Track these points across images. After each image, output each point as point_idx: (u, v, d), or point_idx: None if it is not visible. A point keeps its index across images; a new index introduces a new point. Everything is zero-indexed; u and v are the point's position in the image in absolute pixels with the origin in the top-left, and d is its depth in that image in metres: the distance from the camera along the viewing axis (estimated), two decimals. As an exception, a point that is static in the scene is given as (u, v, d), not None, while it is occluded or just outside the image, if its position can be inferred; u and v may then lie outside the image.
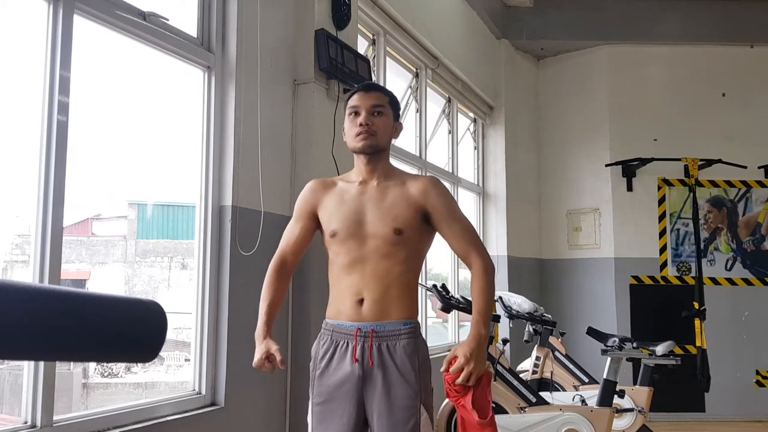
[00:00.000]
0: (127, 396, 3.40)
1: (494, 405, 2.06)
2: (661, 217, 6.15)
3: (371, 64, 3.90)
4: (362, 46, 4.07)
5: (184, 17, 2.81)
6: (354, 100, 2.09)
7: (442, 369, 1.99)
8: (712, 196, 6.18)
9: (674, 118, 6.23)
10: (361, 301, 1.99)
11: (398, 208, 2.02)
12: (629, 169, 6.14)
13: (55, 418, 2.12)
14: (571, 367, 4.36)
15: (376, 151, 2.07)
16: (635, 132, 6.22)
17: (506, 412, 3.38)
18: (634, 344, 3.60)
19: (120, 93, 2.86)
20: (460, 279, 5.65)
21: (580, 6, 6.27)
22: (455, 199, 2.20)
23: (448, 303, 3.18)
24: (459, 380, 1.93)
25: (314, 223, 2.13)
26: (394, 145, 4.49)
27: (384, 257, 1.99)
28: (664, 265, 6.09)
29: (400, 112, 2.22)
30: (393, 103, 2.14)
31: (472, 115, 6.02)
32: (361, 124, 2.04)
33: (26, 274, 2.16)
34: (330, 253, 2.09)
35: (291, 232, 2.16)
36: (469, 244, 2.07)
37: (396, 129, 2.14)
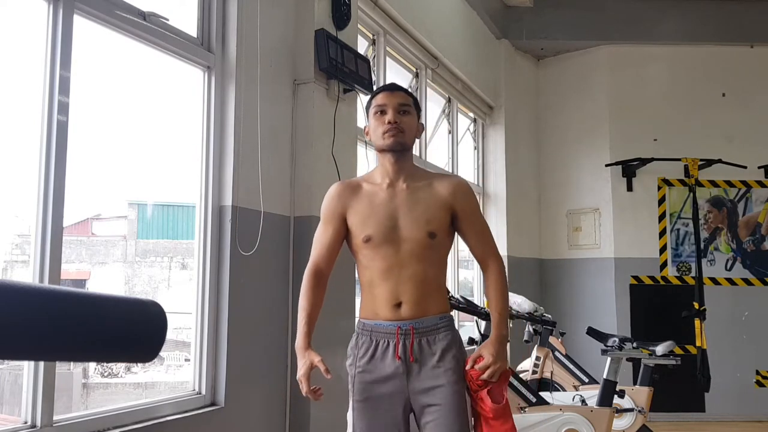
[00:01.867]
0: (127, 396, 3.40)
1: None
2: (661, 217, 6.15)
3: (371, 64, 3.90)
4: (362, 46, 4.07)
5: (184, 17, 2.81)
6: (380, 98, 2.11)
7: (468, 367, 2.05)
8: (712, 196, 6.18)
9: (674, 118, 6.23)
10: (398, 305, 2.03)
11: (431, 211, 2.06)
12: (629, 169, 6.14)
13: (55, 418, 2.12)
14: (571, 367, 4.36)
15: (404, 149, 2.10)
16: (635, 132, 6.22)
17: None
18: (634, 344, 3.60)
19: (120, 93, 2.86)
20: (460, 279, 5.66)
21: (580, 6, 6.27)
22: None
23: (450, 303, 3.18)
24: (484, 376, 2.02)
25: (344, 227, 2.11)
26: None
27: (419, 261, 2.03)
28: (664, 265, 6.09)
29: (421, 114, 2.25)
30: (416, 104, 2.18)
31: (472, 115, 6.02)
32: (389, 122, 2.06)
33: (26, 274, 2.15)
34: (361, 257, 2.08)
35: (322, 238, 2.13)
36: (488, 246, 2.14)
37: (419, 129, 2.17)
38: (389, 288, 2.02)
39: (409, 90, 2.24)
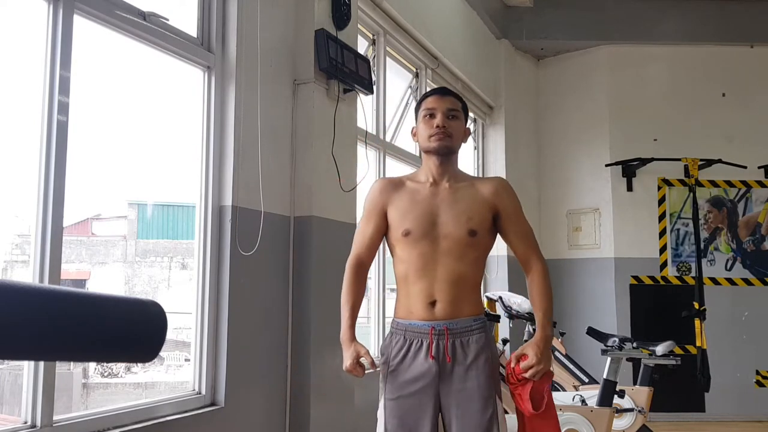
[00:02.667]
0: (127, 396, 3.40)
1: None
2: (661, 217, 6.15)
3: (371, 64, 3.90)
4: (362, 46, 4.07)
5: (184, 17, 2.81)
6: (430, 102, 2.16)
7: (512, 364, 2.09)
8: (712, 196, 6.18)
9: (674, 118, 6.23)
10: (433, 303, 2.05)
11: (473, 209, 2.10)
12: (629, 169, 6.14)
13: (55, 418, 2.12)
14: (571, 367, 4.36)
15: (450, 152, 2.15)
16: (635, 132, 6.21)
17: (506, 412, 3.38)
18: (634, 344, 3.60)
19: (120, 93, 2.86)
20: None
21: (580, 6, 6.27)
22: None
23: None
24: (527, 375, 2.06)
25: (385, 222, 2.15)
26: (394, 145, 4.51)
27: (456, 259, 2.06)
28: (664, 265, 6.09)
29: (468, 118, 2.30)
30: (464, 108, 2.22)
31: (472, 115, 6.02)
32: (437, 126, 2.10)
33: (26, 274, 2.15)
34: (398, 251, 2.12)
35: (364, 232, 2.17)
36: (531, 248, 2.19)
37: (465, 133, 2.22)
38: (424, 285, 2.05)
39: (459, 95, 2.28)
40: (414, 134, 2.24)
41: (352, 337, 2.06)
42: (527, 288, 2.23)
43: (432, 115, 2.13)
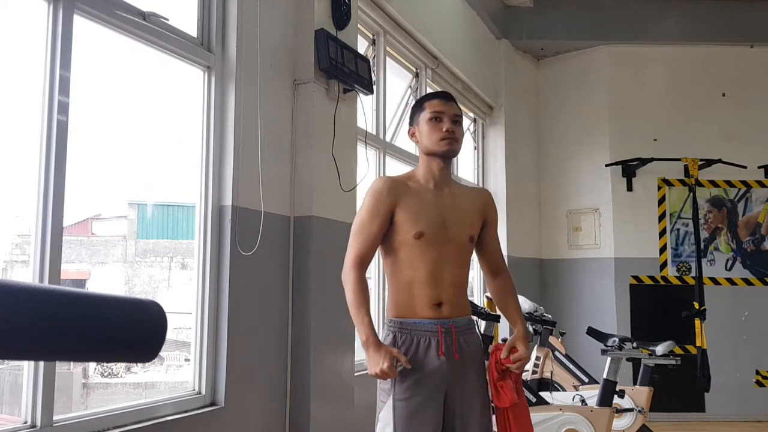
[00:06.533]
0: (127, 396, 3.41)
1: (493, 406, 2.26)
2: (661, 217, 6.15)
3: (371, 64, 3.90)
4: (362, 46, 4.07)
5: (184, 17, 2.81)
6: (437, 105, 2.18)
7: (503, 356, 2.16)
8: (712, 196, 6.18)
9: (674, 118, 6.23)
10: (439, 305, 2.08)
11: (472, 216, 2.18)
12: (629, 169, 6.14)
13: (55, 418, 2.12)
14: (571, 367, 4.36)
15: (454, 156, 2.22)
16: (635, 132, 6.22)
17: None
18: (634, 344, 3.60)
19: (120, 93, 2.86)
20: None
21: (580, 6, 6.27)
22: None
23: None
24: (514, 366, 2.15)
25: (389, 222, 2.11)
26: (394, 145, 4.51)
27: (458, 263, 2.13)
28: (664, 265, 6.09)
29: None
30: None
31: (472, 115, 6.02)
32: (447, 130, 2.13)
33: (26, 274, 2.15)
34: (403, 254, 2.09)
35: (369, 231, 2.10)
36: (501, 256, 2.33)
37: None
38: (432, 288, 2.06)
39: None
40: (412, 135, 2.23)
41: (378, 340, 2.00)
42: (496, 289, 2.34)
43: (439, 119, 2.15)
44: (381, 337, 2.06)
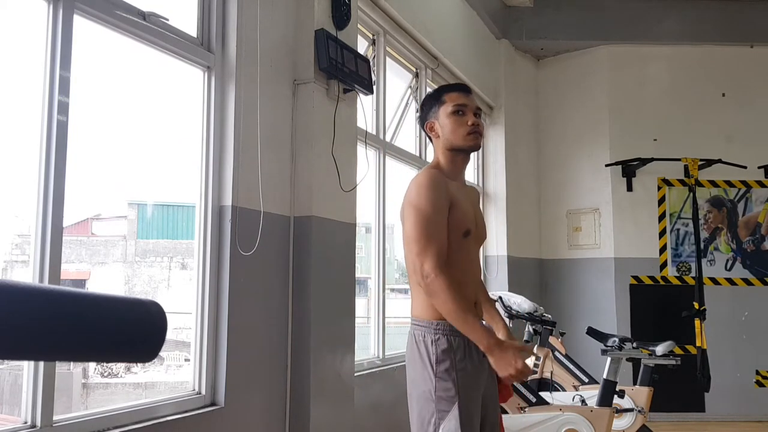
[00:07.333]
0: (127, 396, 3.40)
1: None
2: (661, 217, 6.15)
3: (371, 64, 3.90)
4: (362, 46, 4.07)
5: (184, 17, 2.81)
6: (460, 98, 2.10)
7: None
8: (712, 196, 6.18)
9: (674, 118, 6.23)
10: (475, 304, 2.08)
11: (480, 213, 2.20)
12: (629, 169, 6.14)
13: (55, 418, 2.12)
14: (571, 367, 4.36)
15: (477, 150, 2.19)
16: (635, 132, 6.22)
17: (506, 412, 3.38)
18: (634, 344, 3.60)
19: (120, 93, 2.86)
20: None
21: (580, 6, 6.27)
22: None
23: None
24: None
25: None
26: (394, 145, 4.51)
27: (478, 262, 2.14)
28: (664, 265, 6.09)
29: None
30: None
31: (472, 115, 6.01)
32: (473, 124, 2.07)
33: (26, 274, 2.15)
34: (450, 252, 1.98)
35: (441, 226, 1.96)
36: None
37: None
38: (471, 287, 2.06)
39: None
40: (431, 129, 2.13)
41: (500, 340, 1.91)
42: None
43: (462, 113, 2.07)
44: (419, 340, 1.99)
